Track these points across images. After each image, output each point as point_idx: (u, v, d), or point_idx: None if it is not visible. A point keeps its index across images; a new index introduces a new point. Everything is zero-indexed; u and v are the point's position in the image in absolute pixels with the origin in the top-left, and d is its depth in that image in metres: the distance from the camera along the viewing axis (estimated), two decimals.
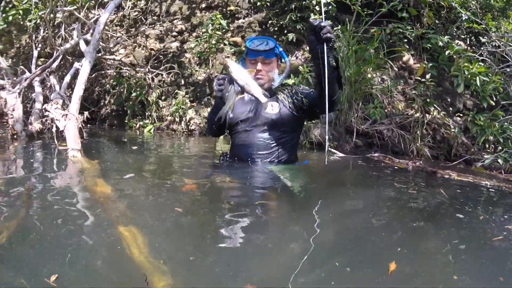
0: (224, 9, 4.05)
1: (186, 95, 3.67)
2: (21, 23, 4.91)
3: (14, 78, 3.88)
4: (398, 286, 0.88)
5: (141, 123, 3.76)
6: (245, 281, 0.85)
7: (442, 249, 1.11)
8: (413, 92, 3.47)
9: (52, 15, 4.26)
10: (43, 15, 4.06)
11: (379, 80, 3.46)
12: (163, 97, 3.79)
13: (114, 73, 3.92)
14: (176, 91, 3.72)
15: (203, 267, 0.92)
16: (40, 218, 1.19)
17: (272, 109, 1.89)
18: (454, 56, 3.33)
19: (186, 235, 1.13)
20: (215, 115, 1.91)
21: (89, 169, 1.90)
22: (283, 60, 2.05)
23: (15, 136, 3.06)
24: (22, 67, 4.37)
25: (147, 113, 3.76)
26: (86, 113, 3.65)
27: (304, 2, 3.64)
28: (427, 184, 2.06)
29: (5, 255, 0.95)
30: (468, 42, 4.40)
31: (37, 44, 4.44)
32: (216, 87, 1.84)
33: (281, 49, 1.99)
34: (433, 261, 1.03)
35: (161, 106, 3.72)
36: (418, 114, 3.29)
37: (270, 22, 3.78)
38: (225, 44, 3.76)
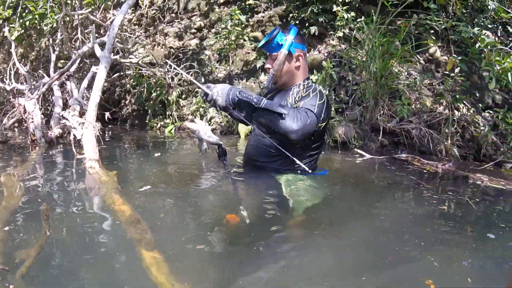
0: (243, 3, 3.97)
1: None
2: (39, 27, 4.95)
3: (33, 83, 3.92)
4: None
5: (162, 123, 3.76)
6: None
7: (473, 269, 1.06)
8: (442, 87, 3.33)
9: (68, 18, 4.27)
10: (58, 19, 4.07)
11: (406, 75, 3.34)
12: (183, 96, 3.76)
13: (134, 73, 3.91)
14: (196, 89, 3.69)
15: None
16: (59, 240, 1.18)
17: None
18: (485, 49, 3.18)
19: (207, 257, 1.08)
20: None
21: (107, 183, 1.84)
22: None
23: (34, 142, 3.07)
24: (41, 71, 4.42)
25: (168, 113, 3.75)
26: (107, 113, 3.68)
27: None
28: (459, 191, 1.93)
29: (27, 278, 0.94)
30: (497, 33, 4.19)
31: (54, 47, 4.47)
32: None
33: (287, 37, 1.67)
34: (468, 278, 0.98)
35: (181, 105, 3.71)
36: (447, 111, 3.17)
37: (291, 15, 3.67)
38: (245, 40, 3.69)
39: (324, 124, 1.66)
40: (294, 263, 1.05)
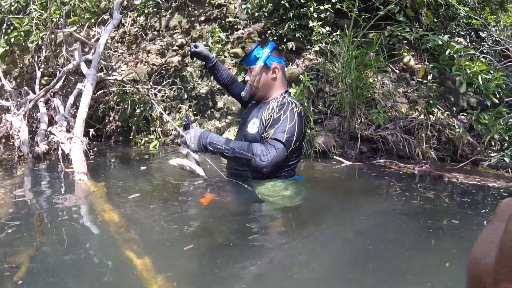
0: (223, 21, 4.09)
1: (189, 109, 3.71)
2: (23, 44, 5.00)
3: (19, 100, 3.94)
4: None
5: (146, 138, 3.79)
6: None
7: (446, 261, 1.13)
8: (416, 94, 3.47)
9: (53, 36, 4.33)
10: (44, 36, 4.14)
11: (381, 84, 3.47)
12: (167, 112, 3.82)
13: (118, 90, 3.97)
14: (180, 105, 3.75)
15: None
16: (51, 248, 1.21)
17: (252, 127, 1.80)
18: (455, 55, 3.34)
19: (192, 258, 1.14)
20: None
21: (96, 193, 1.92)
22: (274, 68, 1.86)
23: (21, 158, 3.09)
24: (26, 88, 4.44)
25: (151, 129, 3.80)
26: (91, 130, 3.71)
27: (302, 10, 3.66)
28: (434, 189, 2.06)
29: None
30: (468, 39, 4.39)
31: (39, 64, 4.52)
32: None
33: (264, 51, 1.79)
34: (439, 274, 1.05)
35: (165, 121, 3.76)
36: (421, 116, 3.30)
37: (269, 31, 3.80)
38: (225, 56, 3.79)
39: (298, 142, 1.75)
40: (276, 262, 1.11)
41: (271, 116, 1.72)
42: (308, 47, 3.70)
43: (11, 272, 1.03)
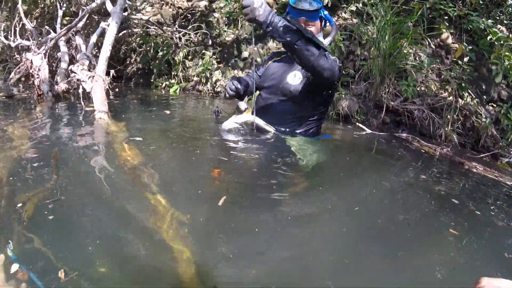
0: None
1: (213, 56, 3.59)
2: None
3: (40, 39, 3.87)
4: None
5: (167, 82, 3.72)
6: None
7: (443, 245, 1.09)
8: (449, 73, 3.32)
9: None
10: None
11: (414, 56, 3.31)
12: (189, 57, 3.72)
13: (141, 32, 3.85)
14: (203, 51, 3.64)
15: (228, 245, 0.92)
16: (68, 188, 1.18)
17: (294, 79, 1.78)
18: (496, 43, 3.15)
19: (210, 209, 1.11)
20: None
21: (116, 132, 1.89)
22: (327, 24, 1.90)
23: (41, 97, 3.05)
24: (47, 27, 4.35)
25: (173, 73, 3.71)
26: (112, 71, 3.65)
27: None
28: (451, 174, 1.97)
29: (30, 230, 0.93)
30: (510, 29, 4.15)
31: (61, 4, 4.39)
32: (229, 90, 1.79)
33: (326, 12, 1.85)
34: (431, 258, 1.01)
35: (187, 66, 3.67)
36: (451, 98, 3.16)
37: None
38: None
39: (336, 85, 1.79)
40: (289, 221, 1.08)
41: None
42: (344, 5, 3.51)
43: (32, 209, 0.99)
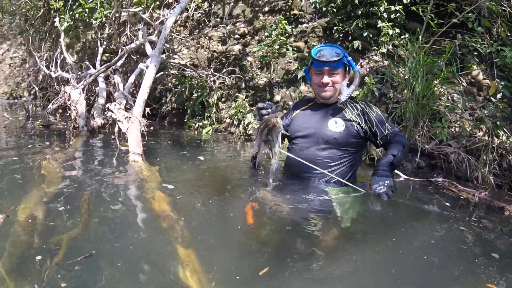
0: (288, 13, 4.05)
1: (246, 99, 3.75)
2: (87, 20, 5.22)
3: (79, 73, 4.12)
4: None
5: (200, 123, 3.89)
6: None
7: None
8: (482, 111, 3.30)
9: (117, 14, 4.48)
10: (108, 14, 4.29)
11: (447, 96, 3.33)
12: (223, 99, 3.89)
13: (177, 73, 4.07)
14: (237, 94, 3.80)
15: None
16: (98, 228, 1.24)
17: (336, 126, 1.83)
18: None
19: (238, 259, 1.15)
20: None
21: (149, 178, 1.90)
22: (351, 71, 1.95)
23: (76, 130, 3.19)
24: (87, 62, 4.64)
25: (206, 114, 3.88)
26: (147, 109, 3.85)
27: (371, 9, 3.54)
28: (491, 221, 1.92)
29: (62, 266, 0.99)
30: None
31: (102, 41, 4.69)
32: (259, 111, 1.75)
33: (349, 58, 1.88)
34: None
35: (220, 108, 3.83)
36: (486, 137, 3.14)
37: (335, 28, 3.72)
38: (287, 49, 3.77)
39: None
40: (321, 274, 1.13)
41: (365, 114, 1.88)
42: (375, 48, 3.60)
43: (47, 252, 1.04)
